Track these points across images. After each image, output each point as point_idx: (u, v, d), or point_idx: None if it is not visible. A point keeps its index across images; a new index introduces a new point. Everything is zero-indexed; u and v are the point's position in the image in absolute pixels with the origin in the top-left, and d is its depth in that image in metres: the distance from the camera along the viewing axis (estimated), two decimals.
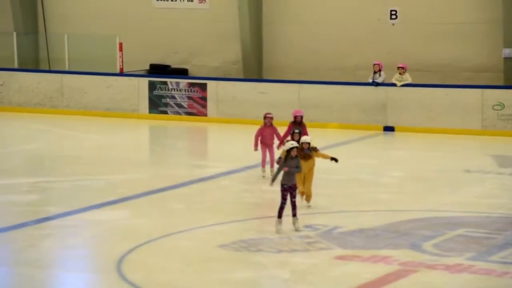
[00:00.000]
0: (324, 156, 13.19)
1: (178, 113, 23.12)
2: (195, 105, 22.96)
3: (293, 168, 11.79)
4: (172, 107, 23.16)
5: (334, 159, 13.15)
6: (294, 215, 11.96)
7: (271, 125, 15.25)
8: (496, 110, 20.36)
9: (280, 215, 11.95)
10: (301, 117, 14.96)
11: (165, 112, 23.22)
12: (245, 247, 11.48)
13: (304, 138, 13.02)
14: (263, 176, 15.06)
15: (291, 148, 11.86)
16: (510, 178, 15.93)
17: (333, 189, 13.88)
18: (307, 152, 12.85)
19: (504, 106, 20.29)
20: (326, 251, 11.26)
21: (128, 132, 21.92)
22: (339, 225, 12.37)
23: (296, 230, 11.92)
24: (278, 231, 11.90)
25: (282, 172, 11.85)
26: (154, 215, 13.42)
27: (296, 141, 12.93)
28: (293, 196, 11.85)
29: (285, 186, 11.82)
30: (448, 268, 10.48)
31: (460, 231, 12.09)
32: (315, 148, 13.07)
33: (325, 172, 14.91)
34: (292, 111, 15.49)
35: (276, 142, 15.31)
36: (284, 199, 11.84)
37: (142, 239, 11.83)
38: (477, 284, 10.02)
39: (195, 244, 11.77)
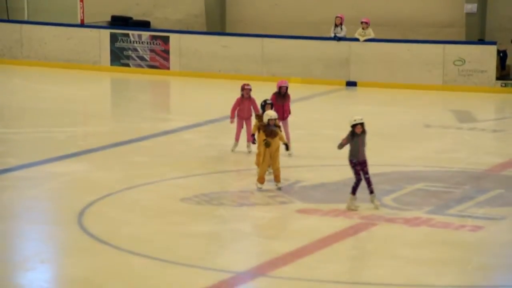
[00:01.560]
0: (281, 138, 11.97)
1: (140, 66, 22.93)
2: (158, 58, 22.77)
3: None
4: (134, 59, 22.96)
5: (286, 146, 12.06)
6: (371, 191, 11.00)
7: (249, 97, 13.80)
8: (457, 65, 20.53)
9: (354, 192, 10.97)
10: (286, 88, 13.62)
11: (127, 65, 23.02)
12: (207, 200, 11.53)
13: (272, 114, 11.75)
14: (232, 151, 13.87)
15: (355, 125, 10.80)
16: (469, 133, 16.16)
17: (295, 143, 13.92)
18: (273, 129, 11.71)
19: (464, 61, 20.47)
20: (287, 205, 11.35)
21: (90, 84, 21.71)
22: (300, 179, 12.46)
23: (376, 207, 10.96)
24: (350, 208, 10.97)
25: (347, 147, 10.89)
26: (115, 168, 13.38)
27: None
28: (365, 172, 10.90)
29: (354, 161, 10.94)
30: (407, 221, 10.64)
31: (420, 185, 12.26)
32: (280, 126, 12.03)
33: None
34: (278, 84, 13.71)
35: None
36: (358, 174, 10.90)
37: (104, 192, 11.81)
38: (435, 237, 10.19)
39: (156, 197, 11.78)
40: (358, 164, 10.95)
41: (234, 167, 13.19)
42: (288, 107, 13.74)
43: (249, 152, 13.57)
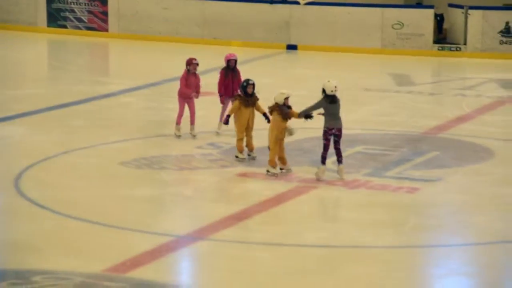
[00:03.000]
0: (292, 114, 11.03)
1: (78, 27, 22.59)
2: (96, 19, 22.45)
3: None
4: (72, 21, 22.59)
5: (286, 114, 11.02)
6: (340, 162, 10.82)
7: (195, 73, 12.59)
8: (396, 29, 20.76)
9: (324, 161, 10.74)
10: (235, 61, 12.73)
11: (65, 26, 22.65)
12: (147, 164, 11.51)
13: (287, 92, 10.85)
14: (178, 136, 12.63)
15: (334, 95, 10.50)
16: (407, 96, 16.42)
17: None
18: (287, 111, 10.84)
19: (403, 25, 20.71)
20: (229, 168, 11.41)
21: (26, 46, 21.33)
22: (218, 132, 12.54)
23: (341, 178, 10.80)
24: (319, 178, 10.76)
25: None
26: (53, 131, 13.24)
27: (250, 94, 11.41)
28: (337, 143, 10.70)
29: (329, 129, 10.68)
30: (346, 184, 10.81)
31: (358, 148, 12.43)
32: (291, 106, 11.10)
33: None
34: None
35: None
36: (334, 142, 10.66)
37: (41, 156, 11.69)
38: (373, 199, 10.39)
39: (96, 161, 11.71)
40: (335, 132, 10.76)
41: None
42: (240, 81, 12.43)
43: (194, 136, 12.63)
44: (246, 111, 11.48)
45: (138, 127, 13.65)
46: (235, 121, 11.64)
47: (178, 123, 12.68)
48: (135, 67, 19.07)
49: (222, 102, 12.86)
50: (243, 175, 11.16)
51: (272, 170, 10.99)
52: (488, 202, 10.32)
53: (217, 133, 12.79)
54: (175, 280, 8.17)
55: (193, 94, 12.57)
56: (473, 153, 12.38)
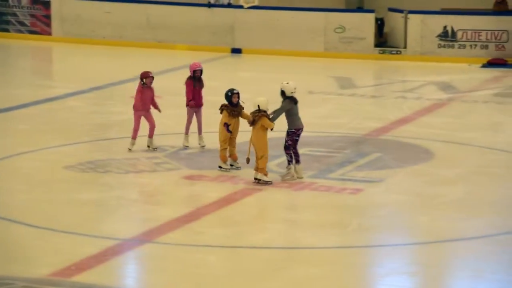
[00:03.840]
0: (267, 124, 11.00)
1: (20, 31, 22.35)
2: (39, 23, 22.25)
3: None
4: (14, 25, 22.34)
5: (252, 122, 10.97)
6: (298, 161, 10.97)
7: (150, 86, 12.24)
8: (338, 33, 21.04)
9: (291, 160, 10.92)
10: (201, 71, 12.50)
11: (7, 30, 22.39)
12: (92, 168, 11.48)
13: (264, 101, 10.82)
14: (130, 150, 12.21)
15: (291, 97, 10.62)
16: (350, 99, 16.66)
17: (180, 110, 13.96)
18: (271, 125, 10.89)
19: (345, 29, 20.99)
20: (174, 171, 11.44)
21: None
22: (187, 145, 12.54)
23: (299, 177, 10.97)
24: (294, 176, 10.98)
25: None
26: None
27: (235, 104, 11.22)
28: (297, 143, 10.85)
29: (296, 129, 10.87)
30: (291, 186, 10.93)
31: (303, 150, 12.53)
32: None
33: (173, 94, 14.99)
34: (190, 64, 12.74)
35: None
36: (295, 142, 10.84)
37: None
38: (317, 200, 10.52)
39: (40, 165, 11.64)
40: (298, 132, 10.95)
41: (120, 135, 13.14)
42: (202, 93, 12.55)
43: (155, 149, 12.21)
44: (231, 121, 11.26)
45: (83, 130, 13.58)
46: (220, 131, 11.36)
47: (133, 137, 12.21)
48: (79, 71, 18.94)
49: (191, 106, 12.47)
50: (189, 177, 11.21)
51: (265, 179, 10.81)
52: (428, 202, 10.52)
53: (186, 147, 12.44)
54: (121, 284, 8.14)
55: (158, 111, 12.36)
56: (413, 154, 12.62)
